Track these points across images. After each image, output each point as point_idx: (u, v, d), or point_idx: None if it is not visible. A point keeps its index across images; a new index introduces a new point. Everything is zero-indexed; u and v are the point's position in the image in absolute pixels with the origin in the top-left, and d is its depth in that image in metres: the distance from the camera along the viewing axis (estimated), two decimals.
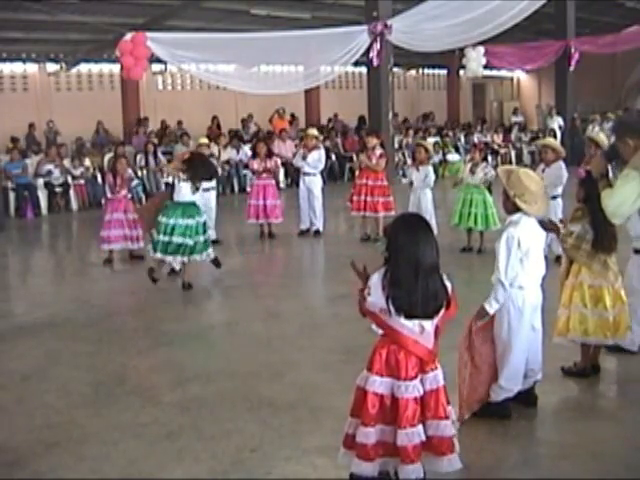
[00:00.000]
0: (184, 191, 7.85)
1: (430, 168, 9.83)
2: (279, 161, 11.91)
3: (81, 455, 4.18)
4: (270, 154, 11.04)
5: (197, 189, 7.92)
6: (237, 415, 4.63)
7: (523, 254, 4.24)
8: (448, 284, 3.47)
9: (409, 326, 3.42)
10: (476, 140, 18.92)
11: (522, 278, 4.27)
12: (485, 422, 4.38)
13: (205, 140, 11.12)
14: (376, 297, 3.43)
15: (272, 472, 3.92)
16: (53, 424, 4.62)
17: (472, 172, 9.28)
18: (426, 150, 9.80)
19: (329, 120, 21.52)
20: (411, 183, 9.87)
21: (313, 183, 11.01)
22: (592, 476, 3.81)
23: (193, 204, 7.93)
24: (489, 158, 17.64)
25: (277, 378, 5.27)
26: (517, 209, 4.31)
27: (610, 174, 4.93)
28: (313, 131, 11.69)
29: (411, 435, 3.38)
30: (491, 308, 4.29)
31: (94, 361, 5.81)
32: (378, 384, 3.45)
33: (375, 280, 3.44)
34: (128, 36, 10.53)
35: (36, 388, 5.28)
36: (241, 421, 4.53)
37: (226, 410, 4.72)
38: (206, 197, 10.15)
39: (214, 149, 16.67)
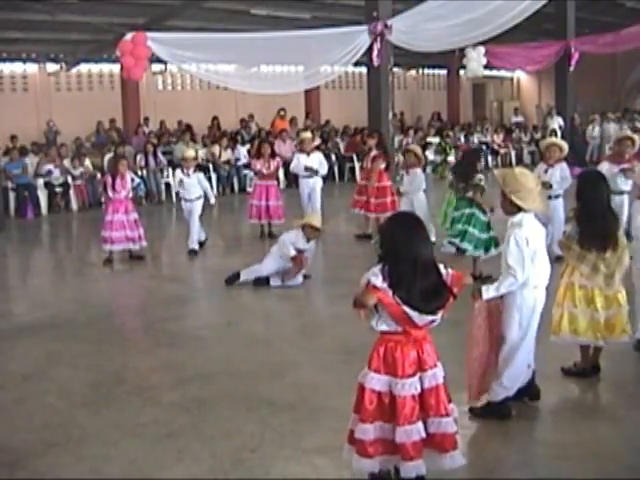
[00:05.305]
0: None
1: (419, 171, 9.51)
2: (281, 162, 11.90)
3: (81, 455, 4.18)
4: (274, 155, 11.02)
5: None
6: (237, 415, 4.63)
7: (532, 252, 4.25)
8: (449, 271, 3.51)
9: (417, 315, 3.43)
10: (462, 141, 18.77)
11: (535, 277, 4.28)
12: (485, 422, 4.39)
13: (192, 153, 10.56)
14: (380, 284, 3.41)
15: (272, 472, 3.93)
16: (53, 424, 4.62)
17: None
18: (415, 155, 9.54)
19: (327, 121, 21.43)
20: (398, 189, 9.75)
21: (317, 183, 11.06)
22: (592, 476, 3.81)
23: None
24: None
25: (277, 378, 5.27)
26: (516, 209, 4.31)
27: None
28: (307, 134, 11.59)
29: (410, 432, 3.41)
30: (487, 294, 4.26)
31: (94, 361, 5.81)
32: (375, 381, 3.49)
33: (374, 274, 3.43)
34: (128, 36, 10.50)
35: (36, 388, 5.28)
36: (241, 421, 4.53)
37: (226, 410, 4.72)
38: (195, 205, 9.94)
39: (215, 149, 16.72)
